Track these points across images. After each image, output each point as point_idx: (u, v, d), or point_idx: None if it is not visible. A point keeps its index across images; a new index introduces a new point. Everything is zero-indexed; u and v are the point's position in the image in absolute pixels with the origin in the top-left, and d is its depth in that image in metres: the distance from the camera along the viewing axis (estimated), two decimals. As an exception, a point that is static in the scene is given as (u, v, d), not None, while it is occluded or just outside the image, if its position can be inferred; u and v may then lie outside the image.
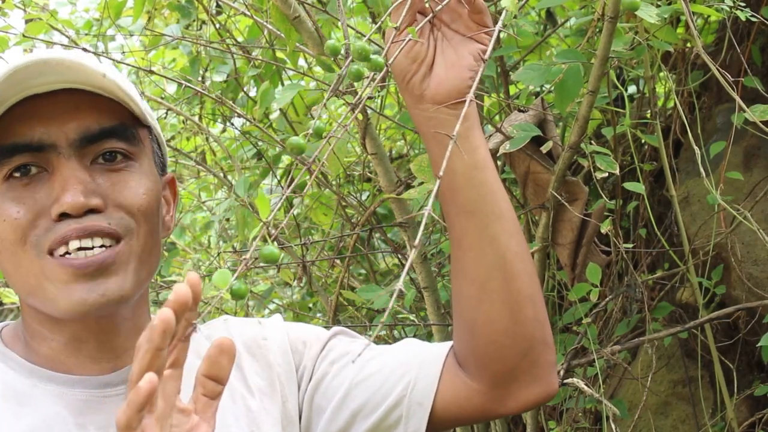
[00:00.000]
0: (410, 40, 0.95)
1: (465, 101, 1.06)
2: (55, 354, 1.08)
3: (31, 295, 1.05)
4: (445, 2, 0.81)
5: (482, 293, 1.10)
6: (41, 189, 1.04)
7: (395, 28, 0.92)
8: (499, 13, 2.08)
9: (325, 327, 1.27)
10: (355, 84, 1.76)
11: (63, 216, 1.03)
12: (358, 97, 0.83)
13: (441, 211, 1.16)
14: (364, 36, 2.42)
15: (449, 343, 1.19)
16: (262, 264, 2.71)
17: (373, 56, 0.81)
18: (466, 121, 1.05)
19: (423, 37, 1.06)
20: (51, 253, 1.03)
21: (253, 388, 1.17)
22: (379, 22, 0.83)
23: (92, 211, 1.04)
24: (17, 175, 1.04)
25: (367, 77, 0.91)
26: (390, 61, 0.85)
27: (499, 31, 0.82)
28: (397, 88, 1.18)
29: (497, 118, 2.19)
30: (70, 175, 1.03)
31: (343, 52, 0.92)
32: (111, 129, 1.07)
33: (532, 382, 1.15)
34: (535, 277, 1.14)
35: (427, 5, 0.99)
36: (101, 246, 1.04)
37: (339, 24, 2.03)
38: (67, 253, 1.03)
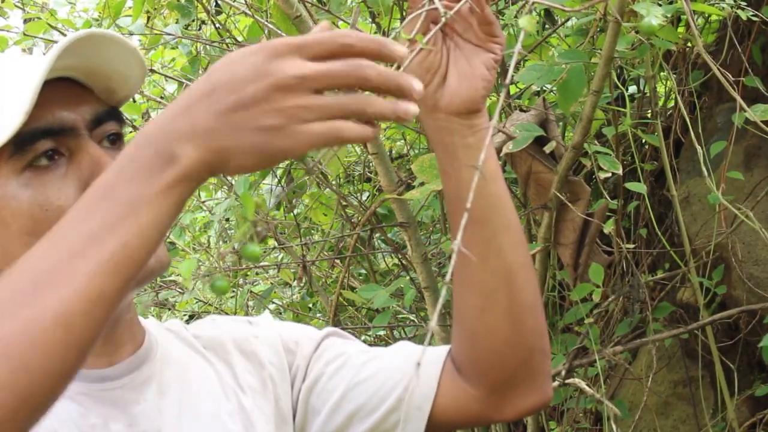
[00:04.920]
0: (421, 50, 0.95)
1: (478, 110, 1.06)
2: None
3: None
4: (455, 9, 0.81)
5: (486, 303, 1.11)
6: (69, 173, 1.02)
7: (408, 40, 0.91)
8: (501, 13, 2.08)
9: (324, 327, 1.27)
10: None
11: None
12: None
13: (446, 217, 1.16)
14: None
15: (447, 348, 1.19)
16: (247, 264, 2.71)
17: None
18: (477, 131, 1.05)
19: (436, 47, 1.05)
20: None
21: (245, 387, 1.16)
22: (394, 33, 0.83)
23: None
24: (44, 162, 1.01)
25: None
26: (401, 71, 0.84)
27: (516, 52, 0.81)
28: None
29: (499, 117, 2.19)
30: (100, 152, 1.02)
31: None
32: (112, 111, 1.07)
33: (529, 390, 1.16)
34: (537, 288, 1.15)
35: (441, 16, 0.99)
36: None
37: (339, 24, 2.02)
38: None
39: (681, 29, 2.39)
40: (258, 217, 0.75)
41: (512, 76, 2.05)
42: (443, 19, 0.83)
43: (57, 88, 1.02)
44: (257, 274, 3.10)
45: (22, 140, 0.99)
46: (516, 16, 2.14)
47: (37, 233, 1.00)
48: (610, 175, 1.73)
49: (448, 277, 0.65)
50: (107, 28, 2.65)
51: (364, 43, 0.76)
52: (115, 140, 1.07)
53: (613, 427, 1.89)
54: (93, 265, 0.76)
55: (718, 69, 1.65)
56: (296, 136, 0.75)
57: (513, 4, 2.17)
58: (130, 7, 2.69)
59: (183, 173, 0.78)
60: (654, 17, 0.60)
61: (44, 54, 1.09)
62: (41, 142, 1.01)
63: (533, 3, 0.72)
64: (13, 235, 1.01)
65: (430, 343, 1.33)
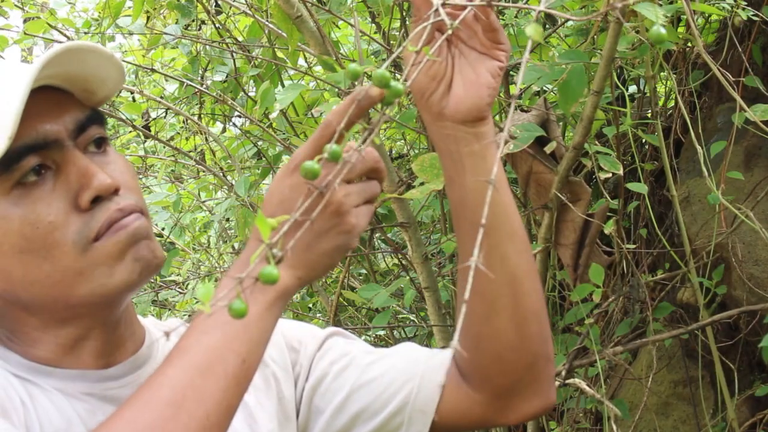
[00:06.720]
0: (428, 60, 0.94)
1: (483, 118, 1.06)
2: (54, 356, 1.07)
3: (64, 295, 1.02)
4: (460, 18, 0.80)
5: (490, 309, 1.11)
6: (57, 187, 1.02)
7: (415, 52, 0.91)
8: (501, 13, 2.08)
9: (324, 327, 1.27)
10: (355, 84, 1.75)
11: (94, 202, 1.02)
12: (374, 123, 0.82)
13: (446, 217, 1.16)
14: (365, 34, 2.42)
15: (451, 351, 1.19)
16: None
17: (393, 83, 0.81)
18: (483, 139, 1.06)
19: (441, 55, 1.05)
20: (97, 238, 1.02)
21: None
22: (398, 51, 0.82)
23: (112, 194, 1.03)
24: (32, 178, 1.01)
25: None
26: (408, 83, 0.85)
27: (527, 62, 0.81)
28: (416, 105, 1.17)
29: (498, 118, 2.19)
30: (86, 162, 1.02)
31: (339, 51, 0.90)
32: (92, 115, 1.07)
33: (533, 395, 1.17)
34: (541, 294, 1.15)
35: (447, 27, 0.99)
36: None
37: (339, 23, 2.02)
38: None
39: (681, 29, 2.39)
40: (273, 240, 0.75)
41: (514, 79, 2.05)
42: (449, 30, 0.82)
43: (37, 98, 1.01)
44: (257, 274, 3.09)
45: (8, 159, 0.99)
46: (516, 17, 2.14)
47: (31, 251, 1.01)
48: (610, 175, 1.73)
49: (466, 296, 0.66)
50: (107, 28, 2.65)
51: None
52: (101, 143, 1.07)
53: (614, 427, 1.89)
54: (223, 383, 0.91)
55: (718, 69, 1.65)
56: (356, 229, 0.97)
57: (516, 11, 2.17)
58: (130, 7, 2.69)
59: (282, 291, 0.94)
60: (662, 26, 0.60)
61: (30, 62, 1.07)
62: (27, 159, 1.01)
63: (539, 11, 0.72)
64: (5, 254, 1.02)
65: (429, 345, 1.33)
